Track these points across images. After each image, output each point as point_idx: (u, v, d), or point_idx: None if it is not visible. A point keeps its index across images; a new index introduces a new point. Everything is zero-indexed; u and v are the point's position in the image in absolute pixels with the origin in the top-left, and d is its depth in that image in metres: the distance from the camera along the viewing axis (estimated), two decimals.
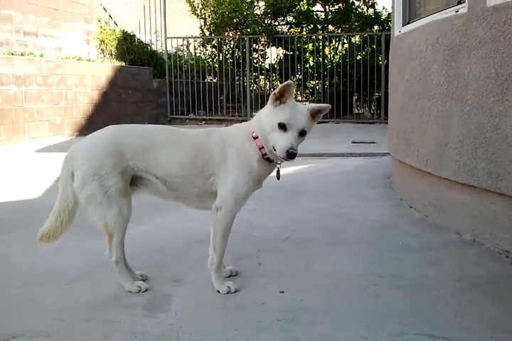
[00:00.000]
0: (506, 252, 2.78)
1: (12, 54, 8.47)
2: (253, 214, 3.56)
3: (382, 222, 3.50)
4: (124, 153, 2.24)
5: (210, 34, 12.54)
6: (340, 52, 12.26)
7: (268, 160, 2.28)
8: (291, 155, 2.11)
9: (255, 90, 12.55)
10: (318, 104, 2.28)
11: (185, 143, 2.34)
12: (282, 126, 2.14)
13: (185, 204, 2.45)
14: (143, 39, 12.18)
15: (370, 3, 12.63)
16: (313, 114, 2.22)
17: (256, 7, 12.60)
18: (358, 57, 11.62)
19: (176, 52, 12.34)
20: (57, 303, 2.22)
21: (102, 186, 2.20)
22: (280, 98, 2.17)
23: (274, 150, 2.17)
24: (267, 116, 2.21)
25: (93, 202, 2.22)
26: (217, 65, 12.30)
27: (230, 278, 2.46)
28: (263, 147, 2.25)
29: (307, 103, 12.43)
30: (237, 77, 12.49)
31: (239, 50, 12.20)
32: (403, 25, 4.12)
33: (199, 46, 12.80)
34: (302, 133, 2.17)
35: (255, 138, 2.26)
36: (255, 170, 2.27)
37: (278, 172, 2.35)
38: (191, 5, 12.52)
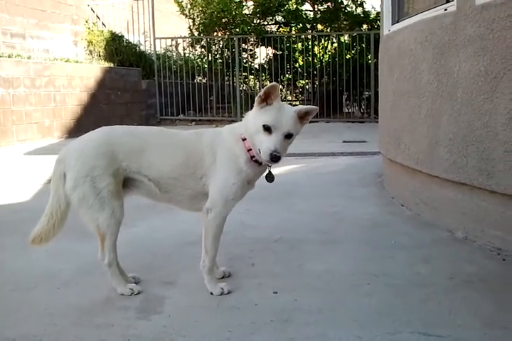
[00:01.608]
0: (498, 249, 2.79)
1: None
2: (245, 214, 3.55)
3: (374, 220, 3.51)
4: (117, 154, 2.22)
5: (199, 34, 12.51)
6: (329, 51, 12.29)
7: (257, 162, 2.24)
8: (274, 158, 2.05)
9: (245, 90, 12.54)
10: (305, 106, 2.21)
11: (177, 145, 2.32)
12: (267, 128, 2.09)
13: (178, 206, 2.43)
14: (131, 40, 12.11)
15: (358, 2, 12.69)
16: (301, 116, 2.17)
17: (245, 7, 12.61)
18: (348, 56, 11.65)
19: (164, 53, 12.28)
20: (49, 307, 2.20)
21: (94, 188, 2.18)
22: (266, 100, 2.13)
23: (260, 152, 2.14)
24: (253, 118, 2.17)
25: (85, 204, 2.20)
26: (206, 65, 12.27)
27: (223, 280, 2.45)
28: (251, 149, 2.21)
29: (297, 103, 12.47)
30: (226, 77, 12.48)
31: (228, 50, 12.18)
32: (392, 24, 4.13)
33: (188, 46, 12.77)
34: (288, 136, 2.12)
35: (244, 139, 2.22)
36: (244, 172, 2.23)
37: (270, 174, 2.30)
38: (179, 5, 12.50)
